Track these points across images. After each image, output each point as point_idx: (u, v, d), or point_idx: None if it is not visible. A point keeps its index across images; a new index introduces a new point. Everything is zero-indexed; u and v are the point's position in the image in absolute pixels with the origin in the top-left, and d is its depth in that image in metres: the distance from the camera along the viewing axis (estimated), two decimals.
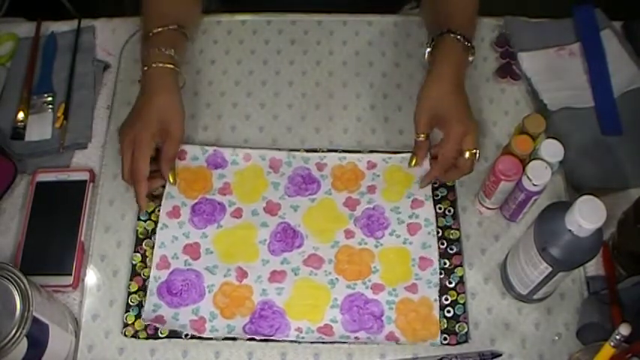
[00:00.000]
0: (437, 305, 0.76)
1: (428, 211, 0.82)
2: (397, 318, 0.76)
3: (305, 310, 0.76)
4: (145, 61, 0.83)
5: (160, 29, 0.84)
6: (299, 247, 0.80)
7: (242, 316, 0.76)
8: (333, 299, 0.77)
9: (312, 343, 0.75)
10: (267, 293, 0.77)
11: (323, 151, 0.86)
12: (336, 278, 0.78)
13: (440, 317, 0.76)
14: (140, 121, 0.80)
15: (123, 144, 0.80)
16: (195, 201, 0.83)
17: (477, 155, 0.79)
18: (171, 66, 0.82)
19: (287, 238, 0.80)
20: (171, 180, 0.82)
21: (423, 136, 0.81)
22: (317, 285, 0.78)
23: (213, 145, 0.86)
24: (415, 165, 0.83)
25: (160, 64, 0.81)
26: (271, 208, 0.82)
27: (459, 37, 0.81)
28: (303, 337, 0.75)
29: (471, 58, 0.83)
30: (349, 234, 0.81)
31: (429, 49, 0.84)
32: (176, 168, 0.83)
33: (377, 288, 0.77)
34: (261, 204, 0.83)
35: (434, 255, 0.79)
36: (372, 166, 0.85)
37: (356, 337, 0.75)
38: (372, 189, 0.83)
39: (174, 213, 0.82)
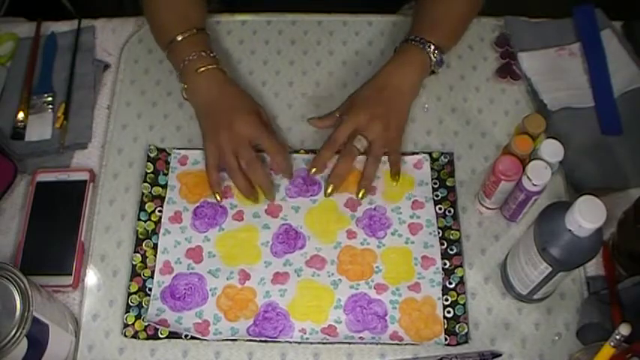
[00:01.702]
0: (440, 304, 0.76)
1: (429, 212, 0.82)
2: (401, 317, 0.76)
3: (308, 311, 0.76)
4: (185, 70, 0.82)
5: (186, 34, 0.84)
6: (301, 248, 0.80)
7: (246, 318, 0.76)
8: (336, 300, 0.77)
9: (311, 343, 0.75)
10: (270, 295, 0.77)
11: None
12: (339, 279, 0.78)
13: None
14: (232, 106, 0.81)
15: (222, 154, 0.80)
16: (197, 204, 0.83)
17: (365, 143, 0.81)
18: (218, 66, 0.83)
19: (289, 239, 0.80)
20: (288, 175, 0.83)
21: (328, 123, 0.84)
22: (320, 286, 0.78)
23: None
24: (315, 123, 0.86)
25: (208, 67, 0.82)
26: (272, 210, 0.82)
27: (420, 45, 0.82)
28: (307, 338, 0.75)
29: (434, 70, 0.85)
30: (351, 234, 0.81)
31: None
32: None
33: (380, 288, 0.77)
34: (262, 206, 0.82)
35: (436, 254, 0.79)
36: None
37: (360, 337, 0.75)
38: (372, 190, 0.83)
39: (177, 218, 0.82)
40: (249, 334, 0.75)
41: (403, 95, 0.83)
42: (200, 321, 0.76)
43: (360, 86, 0.85)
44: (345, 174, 0.81)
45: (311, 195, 0.83)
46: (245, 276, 0.78)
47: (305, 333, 0.75)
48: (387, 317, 0.76)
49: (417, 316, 0.76)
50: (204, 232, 0.81)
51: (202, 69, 0.82)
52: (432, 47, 0.83)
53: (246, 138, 0.80)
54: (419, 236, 0.80)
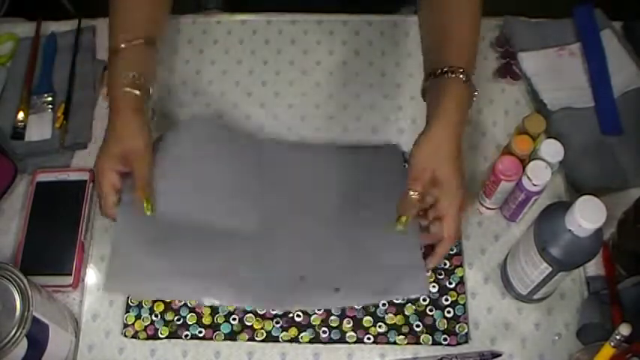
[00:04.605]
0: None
1: None
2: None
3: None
4: (110, 84, 0.77)
5: (123, 45, 0.77)
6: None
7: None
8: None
9: (311, 343, 0.75)
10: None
11: None
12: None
13: (440, 318, 0.76)
14: (101, 147, 0.77)
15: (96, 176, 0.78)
16: None
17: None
18: (137, 92, 0.76)
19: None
20: (148, 212, 0.76)
21: (416, 194, 0.71)
22: None
23: None
24: (405, 228, 0.72)
25: (126, 89, 0.76)
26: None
27: (461, 76, 0.71)
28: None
29: (474, 99, 0.74)
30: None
31: (425, 86, 0.75)
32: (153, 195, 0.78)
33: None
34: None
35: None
36: None
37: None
38: None
39: None
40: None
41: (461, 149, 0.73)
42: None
43: (426, 144, 0.71)
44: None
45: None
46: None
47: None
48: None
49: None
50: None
51: (126, 89, 0.76)
52: (466, 77, 0.72)
53: (99, 174, 0.77)
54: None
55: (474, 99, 0.74)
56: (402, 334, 0.75)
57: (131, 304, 0.77)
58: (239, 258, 0.77)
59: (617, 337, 0.60)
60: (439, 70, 0.72)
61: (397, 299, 0.76)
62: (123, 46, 0.77)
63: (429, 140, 0.71)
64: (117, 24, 0.80)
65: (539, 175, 0.72)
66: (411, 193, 0.71)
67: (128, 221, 0.77)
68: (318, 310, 0.76)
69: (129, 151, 0.76)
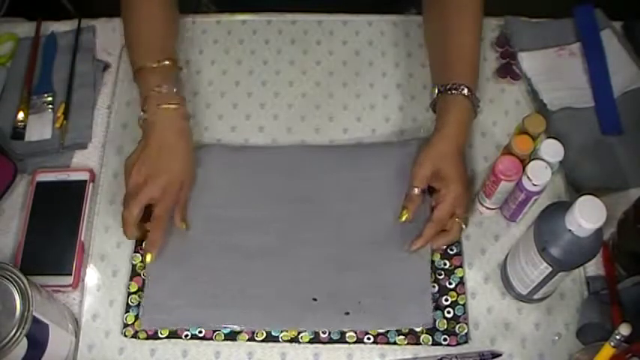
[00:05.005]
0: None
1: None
2: None
3: None
4: (148, 99, 0.80)
5: (155, 64, 0.81)
6: None
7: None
8: None
9: (311, 343, 0.75)
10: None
11: None
12: None
13: (440, 318, 0.76)
14: (167, 172, 0.77)
15: (130, 186, 0.77)
16: None
17: (467, 222, 0.80)
18: (181, 105, 0.81)
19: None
20: (184, 227, 0.80)
21: (418, 190, 0.78)
22: None
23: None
24: (406, 220, 0.78)
25: (169, 106, 0.79)
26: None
27: (465, 91, 0.79)
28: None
29: (476, 113, 0.81)
30: None
31: (433, 98, 0.82)
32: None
33: None
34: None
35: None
36: None
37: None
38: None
39: None
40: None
41: (464, 155, 0.81)
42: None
43: (431, 146, 0.78)
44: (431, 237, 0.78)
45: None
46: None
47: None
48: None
49: None
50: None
51: (164, 106, 0.79)
52: (469, 91, 0.80)
53: (153, 199, 0.77)
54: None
55: (478, 107, 0.81)
56: (402, 335, 0.75)
57: (131, 303, 0.77)
58: (255, 279, 0.78)
59: (617, 337, 0.60)
60: (444, 87, 0.80)
61: (398, 328, 0.75)
62: (152, 65, 0.81)
63: (433, 148, 0.78)
64: (140, 43, 0.84)
65: (539, 175, 0.72)
66: (414, 189, 0.78)
67: (158, 263, 0.78)
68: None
69: (175, 182, 0.78)
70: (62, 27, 0.97)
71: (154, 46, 0.84)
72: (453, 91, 0.79)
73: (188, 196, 0.81)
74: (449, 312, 0.76)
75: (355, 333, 0.75)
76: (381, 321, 0.75)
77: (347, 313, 0.75)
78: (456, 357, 0.74)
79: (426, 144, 0.79)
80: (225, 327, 0.76)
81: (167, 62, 0.82)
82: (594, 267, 0.79)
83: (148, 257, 0.77)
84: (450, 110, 0.79)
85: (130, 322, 0.76)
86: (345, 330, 0.75)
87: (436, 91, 0.81)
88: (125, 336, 0.76)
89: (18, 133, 0.88)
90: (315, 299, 0.76)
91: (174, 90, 0.81)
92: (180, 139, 0.80)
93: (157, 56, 0.82)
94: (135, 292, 0.78)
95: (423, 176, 0.78)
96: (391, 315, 0.75)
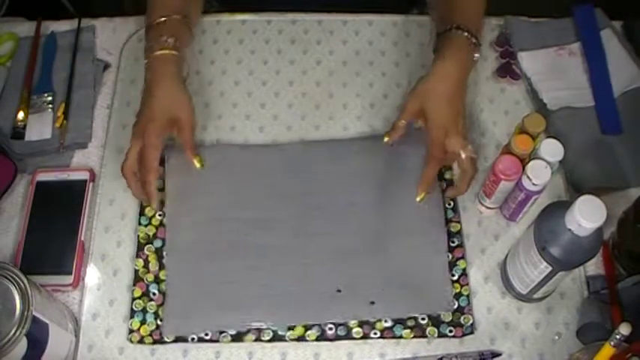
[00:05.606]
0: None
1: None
2: None
3: None
4: (146, 51, 0.82)
5: (163, 19, 0.83)
6: None
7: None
8: None
9: (318, 340, 0.75)
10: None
11: None
12: None
13: None
14: (145, 113, 0.79)
15: (132, 138, 0.79)
16: None
17: (473, 154, 0.77)
18: (174, 52, 0.81)
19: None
20: (198, 165, 0.81)
21: (403, 122, 0.79)
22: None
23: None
24: (389, 141, 0.80)
25: (161, 52, 0.81)
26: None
27: (465, 33, 0.79)
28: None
29: (477, 55, 0.81)
30: None
31: (434, 45, 0.83)
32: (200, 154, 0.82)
33: None
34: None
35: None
36: None
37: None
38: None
39: None
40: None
41: (464, 96, 0.81)
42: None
43: (424, 81, 0.79)
44: (434, 179, 0.79)
45: None
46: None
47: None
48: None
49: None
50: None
51: (158, 52, 0.81)
52: (474, 39, 0.81)
53: (148, 145, 0.78)
54: None
55: (477, 57, 0.81)
56: (408, 328, 0.75)
57: (135, 309, 0.77)
58: (274, 276, 0.78)
59: (617, 337, 0.60)
60: (444, 29, 0.81)
61: (424, 314, 0.76)
62: (159, 20, 0.83)
63: (422, 84, 0.79)
64: (154, 4, 0.85)
65: (539, 175, 0.72)
66: (398, 119, 0.80)
67: (176, 266, 0.79)
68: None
69: (175, 121, 0.80)
70: (62, 27, 0.97)
71: (163, 3, 0.85)
72: (455, 30, 0.80)
73: (190, 137, 0.81)
74: (453, 303, 0.76)
75: (362, 328, 0.75)
76: (406, 308, 0.76)
77: (372, 303, 0.76)
78: (456, 357, 0.73)
79: (420, 78, 0.80)
80: (251, 326, 0.75)
81: (175, 16, 0.83)
82: (594, 266, 0.79)
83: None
84: (446, 48, 0.80)
85: (135, 328, 0.76)
86: (372, 320, 0.76)
87: (437, 36, 0.82)
88: (131, 342, 0.75)
89: (18, 132, 0.88)
90: (339, 290, 0.77)
91: (172, 40, 0.81)
92: (163, 80, 0.80)
93: (164, 12, 0.83)
94: (139, 298, 0.78)
95: (409, 111, 0.79)
96: (415, 301, 0.76)
